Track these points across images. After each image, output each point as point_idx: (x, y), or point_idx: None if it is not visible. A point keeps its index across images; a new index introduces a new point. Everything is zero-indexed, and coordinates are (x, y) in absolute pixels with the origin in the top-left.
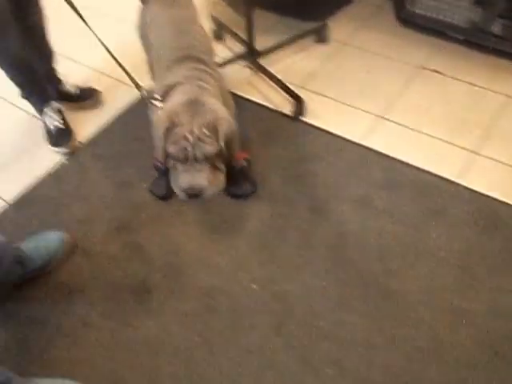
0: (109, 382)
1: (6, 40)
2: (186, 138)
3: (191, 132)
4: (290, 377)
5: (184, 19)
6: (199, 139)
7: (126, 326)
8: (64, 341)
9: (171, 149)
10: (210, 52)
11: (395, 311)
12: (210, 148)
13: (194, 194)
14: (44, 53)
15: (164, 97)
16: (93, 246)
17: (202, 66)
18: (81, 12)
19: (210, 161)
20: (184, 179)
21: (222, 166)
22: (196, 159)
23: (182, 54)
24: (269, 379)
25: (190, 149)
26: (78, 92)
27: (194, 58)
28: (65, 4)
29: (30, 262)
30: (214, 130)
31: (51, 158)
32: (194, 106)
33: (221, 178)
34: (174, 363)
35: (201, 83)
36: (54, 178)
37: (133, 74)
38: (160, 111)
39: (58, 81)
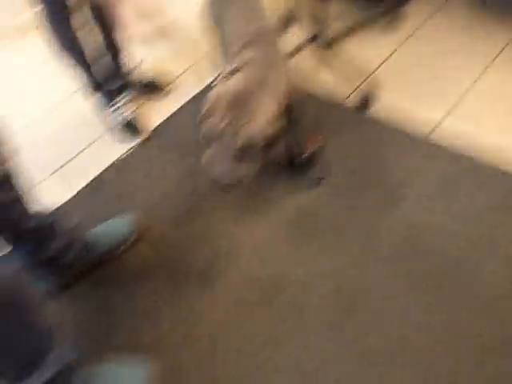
0: (169, 368)
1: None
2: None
3: (221, 126)
4: (349, 375)
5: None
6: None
7: (191, 313)
8: (129, 326)
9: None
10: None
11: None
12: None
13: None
14: (115, 45)
15: (228, 77)
16: (156, 234)
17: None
18: None
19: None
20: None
21: (253, 160)
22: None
23: (250, 38)
24: (328, 377)
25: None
26: (145, 82)
27: (265, 41)
28: None
29: (97, 247)
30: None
31: (118, 147)
32: (238, 101)
33: (245, 168)
34: (231, 353)
35: (263, 72)
36: (121, 167)
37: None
38: (212, 91)
39: (129, 73)
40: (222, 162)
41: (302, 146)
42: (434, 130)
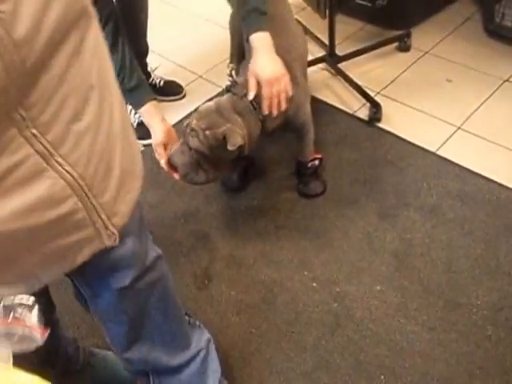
0: None
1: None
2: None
3: (193, 124)
4: (342, 378)
5: (283, 18)
6: (192, 130)
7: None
8: None
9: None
10: (303, 54)
11: (459, 326)
12: (194, 142)
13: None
14: (142, 49)
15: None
16: (160, 230)
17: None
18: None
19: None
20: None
21: (208, 172)
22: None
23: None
24: (321, 379)
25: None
26: (161, 84)
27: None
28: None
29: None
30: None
31: None
32: (220, 112)
33: (201, 177)
34: (228, 353)
35: None
36: None
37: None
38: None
39: (149, 75)
40: (182, 159)
41: (308, 156)
42: (442, 145)
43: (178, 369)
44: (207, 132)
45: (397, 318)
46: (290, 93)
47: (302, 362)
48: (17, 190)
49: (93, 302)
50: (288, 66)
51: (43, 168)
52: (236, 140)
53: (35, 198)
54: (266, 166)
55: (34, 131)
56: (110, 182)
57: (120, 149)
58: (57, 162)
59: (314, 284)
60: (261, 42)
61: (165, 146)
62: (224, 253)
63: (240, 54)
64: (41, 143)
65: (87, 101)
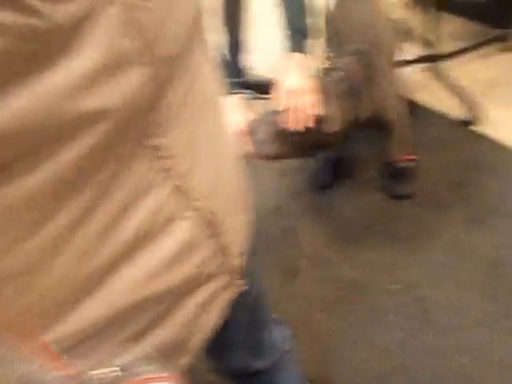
0: None
1: None
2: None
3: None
4: None
5: (370, 14)
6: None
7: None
8: None
9: None
10: (390, 51)
11: None
12: None
13: None
14: (239, 44)
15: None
16: None
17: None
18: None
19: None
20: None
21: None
22: None
23: (354, 48)
24: (398, 382)
25: None
26: (253, 83)
27: (363, 52)
28: None
29: None
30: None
31: None
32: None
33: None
34: (308, 349)
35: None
36: None
37: None
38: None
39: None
40: (264, 132)
41: (397, 155)
42: None
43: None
44: None
45: (482, 327)
46: (318, 111)
47: (380, 364)
48: (158, 238)
49: None
50: (373, 58)
51: (181, 207)
52: (333, 125)
53: (176, 245)
54: (357, 166)
55: (170, 162)
56: (234, 216)
57: (235, 174)
58: (192, 197)
59: (396, 286)
60: (297, 61)
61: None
62: (309, 250)
63: (336, 39)
64: (178, 176)
65: (205, 115)
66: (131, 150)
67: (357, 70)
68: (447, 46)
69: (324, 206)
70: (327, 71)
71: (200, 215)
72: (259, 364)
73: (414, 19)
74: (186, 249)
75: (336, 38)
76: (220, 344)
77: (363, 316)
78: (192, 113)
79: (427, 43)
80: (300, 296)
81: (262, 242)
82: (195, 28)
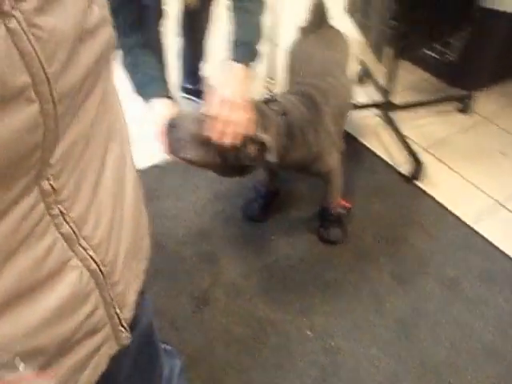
0: None
1: None
2: None
3: None
4: None
5: (332, 63)
6: None
7: (175, 330)
8: None
9: None
10: (343, 106)
11: None
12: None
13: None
14: (200, 50)
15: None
16: (169, 243)
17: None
18: None
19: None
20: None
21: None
22: None
23: (302, 88)
24: None
25: None
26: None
27: (309, 96)
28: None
29: None
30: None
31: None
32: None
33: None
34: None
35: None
36: (160, 171)
37: None
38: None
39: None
40: (184, 132)
41: (332, 202)
42: (479, 219)
43: None
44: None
45: None
46: (244, 131)
47: None
48: (41, 290)
49: None
50: (318, 108)
51: (69, 256)
52: (272, 155)
53: (61, 298)
54: (292, 202)
55: (60, 207)
56: (126, 267)
57: (134, 222)
58: (81, 246)
59: (309, 333)
60: (239, 71)
61: None
62: (227, 280)
63: (291, 74)
64: (67, 223)
65: (105, 161)
66: (17, 192)
67: (298, 111)
68: (403, 97)
69: (252, 237)
70: (267, 100)
71: (87, 266)
72: None
73: (375, 64)
74: (70, 303)
75: (291, 72)
76: None
77: (269, 357)
78: (90, 156)
79: (383, 90)
80: (207, 327)
81: (178, 265)
82: (97, 68)
